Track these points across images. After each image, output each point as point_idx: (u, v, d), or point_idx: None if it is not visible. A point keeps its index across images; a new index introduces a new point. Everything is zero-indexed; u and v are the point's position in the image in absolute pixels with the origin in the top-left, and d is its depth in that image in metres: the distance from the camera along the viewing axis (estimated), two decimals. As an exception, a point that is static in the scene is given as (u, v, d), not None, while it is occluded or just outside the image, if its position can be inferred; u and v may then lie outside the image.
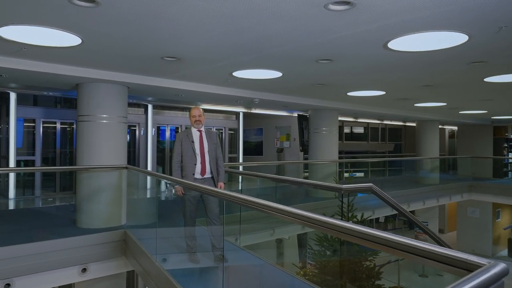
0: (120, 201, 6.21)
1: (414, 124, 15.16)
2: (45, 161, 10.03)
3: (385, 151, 19.63)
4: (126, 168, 6.08)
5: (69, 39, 4.09)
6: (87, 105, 6.14)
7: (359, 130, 18.85)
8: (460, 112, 12.44)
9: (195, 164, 4.40)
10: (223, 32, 3.91)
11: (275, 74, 5.99)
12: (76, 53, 4.74)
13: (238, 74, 6.00)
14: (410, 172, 14.61)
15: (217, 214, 4.36)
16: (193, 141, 4.46)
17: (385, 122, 17.67)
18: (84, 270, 5.34)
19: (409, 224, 18.06)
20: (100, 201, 6.14)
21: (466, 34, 3.88)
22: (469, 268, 1.15)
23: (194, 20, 3.55)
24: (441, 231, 17.87)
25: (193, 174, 4.39)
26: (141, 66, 5.57)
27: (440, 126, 16.47)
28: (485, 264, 1.12)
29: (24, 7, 3.20)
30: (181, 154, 4.45)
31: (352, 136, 18.54)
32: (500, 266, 1.09)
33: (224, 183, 4.64)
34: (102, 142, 6.15)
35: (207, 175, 4.47)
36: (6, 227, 6.04)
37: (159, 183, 5.80)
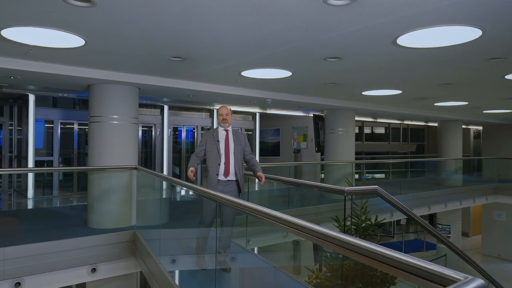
0: (130, 201, 6.22)
1: (436, 124, 14.73)
2: (63, 161, 10.22)
3: (407, 152, 19.17)
4: (136, 168, 6.09)
5: (72, 40, 4.10)
6: (98, 106, 6.19)
7: (380, 130, 18.49)
8: (484, 112, 11.97)
9: (219, 165, 4.20)
10: (226, 30, 3.83)
11: (284, 73, 5.88)
12: (83, 54, 4.77)
13: (247, 73, 5.92)
14: (433, 174, 14.19)
15: (229, 224, 4.22)
16: (218, 141, 4.27)
17: (407, 122, 17.24)
18: (93, 270, 5.36)
19: (431, 227, 17.55)
20: (110, 201, 6.17)
21: (479, 29, 3.67)
22: (443, 283, 1.03)
23: (196, 19, 3.49)
24: (465, 234, 17.29)
25: (217, 175, 4.19)
26: (149, 66, 5.56)
27: (464, 126, 15.94)
28: (460, 279, 1.00)
29: (20, 7, 3.21)
30: (204, 151, 4.29)
31: (372, 137, 18.20)
32: (476, 282, 0.97)
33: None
34: (113, 143, 6.18)
35: (231, 177, 4.24)
36: (19, 227, 6.15)
37: (168, 185, 5.76)
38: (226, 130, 4.33)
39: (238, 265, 4.58)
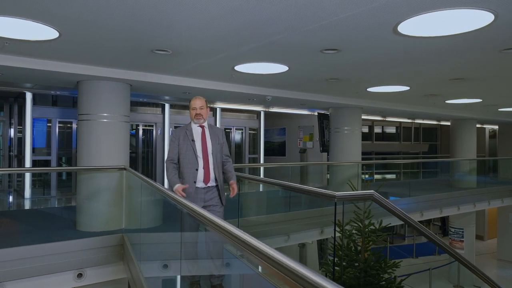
0: (120, 203, 5.94)
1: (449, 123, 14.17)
2: (66, 161, 10.03)
3: (419, 152, 18.61)
4: (125, 169, 5.79)
5: (45, 32, 3.81)
6: (87, 103, 5.92)
7: (391, 130, 18.00)
8: (499, 110, 11.40)
9: (197, 170, 3.56)
10: (211, 17, 3.48)
11: (281, 68, 5.51)
12: (62, 48, 4.48)
13: (241, 68, 5.58)
14: (445, 175, 13.65)
15: (218, 249, 3.66)
16: (193, 140, 3.60)
17: (418, 121, 16.68)
18: (80, 275, 5.10)
19: (443, 231, 17.06)
20: (100, 203, 5.90)
21: (491, 12, 3.25)
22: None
23: (172, 5, 3.16)
24: (480, 237, 16.68)
25: (195, 182, 3.55)
26: (138, 61, 5.26)
27: (479, 125, 15.32)
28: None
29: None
30: (177, 155, 3.63)
31: (383, 136, 17.72)
32: None
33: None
34: (102, 142, 5.91)
35: (211, 183, 3.62)
36: (3, 229, 5.94)
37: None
38: (202, 126, 3.70)
39: (228, 272, 4.25)
